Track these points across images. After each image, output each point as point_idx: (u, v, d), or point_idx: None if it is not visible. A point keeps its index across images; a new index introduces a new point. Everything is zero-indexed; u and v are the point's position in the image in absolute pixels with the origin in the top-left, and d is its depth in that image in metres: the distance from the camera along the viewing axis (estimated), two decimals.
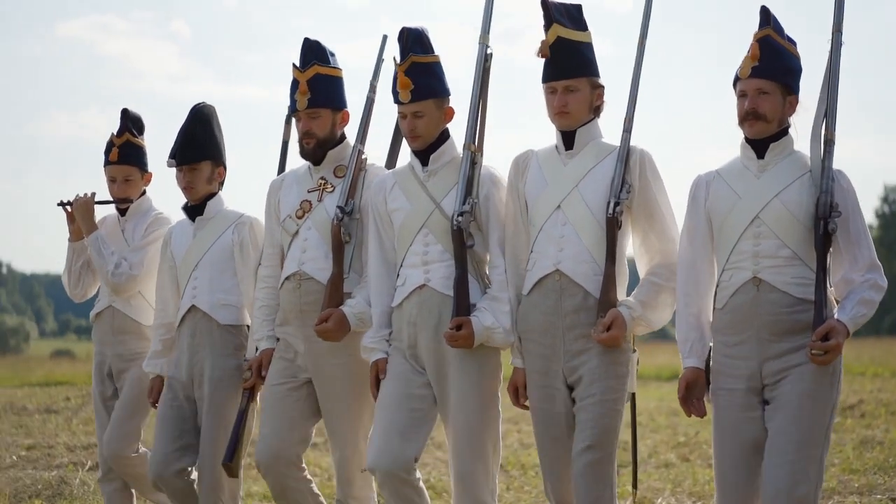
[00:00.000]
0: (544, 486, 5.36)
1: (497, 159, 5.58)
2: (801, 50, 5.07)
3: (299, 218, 5.91)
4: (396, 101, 5.51)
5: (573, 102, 5.23)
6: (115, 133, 6.92)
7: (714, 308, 5.08)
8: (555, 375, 5.19)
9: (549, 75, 5.25)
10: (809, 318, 4.80)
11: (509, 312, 5.31)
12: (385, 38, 5.87)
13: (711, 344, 5.09)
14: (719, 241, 5.06)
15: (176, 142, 6.37)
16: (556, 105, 5.23)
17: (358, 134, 5.84)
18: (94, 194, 6.92)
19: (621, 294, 5.19)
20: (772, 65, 4.96)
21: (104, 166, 6.95)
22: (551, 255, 5.21)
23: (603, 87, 5.30)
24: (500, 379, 5.47)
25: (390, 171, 5.78)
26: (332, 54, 5.96)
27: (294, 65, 5.87)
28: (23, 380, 22.36)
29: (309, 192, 5.95)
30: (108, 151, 6.92)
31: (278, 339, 5.95)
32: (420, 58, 5.47)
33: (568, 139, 5.30)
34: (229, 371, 6.24)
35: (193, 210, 6.46)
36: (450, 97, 5.55)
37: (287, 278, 5.90)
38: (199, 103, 6.44)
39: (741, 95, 5.01)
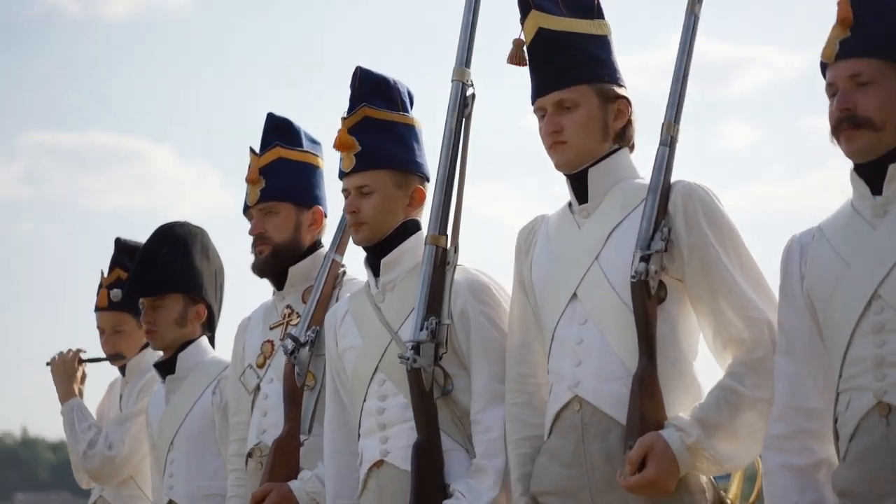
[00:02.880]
0: None
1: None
2: None
3: (260, 367, 4.16)
4: (340, 174, 3.74)
5: (571, 125, 3.27)
6: (104, 271, 5.33)
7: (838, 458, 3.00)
8: None
9: (534, 90, 3.35)
10: None
11: (497, 485, 3.37)
12: None
13: None
14: (828, 342, 3.01)
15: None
16: (546, 131, 3.30)
17: (334, 240, 4.10)
18: (78, 351, 5.36)
19: (678, 412, 3.14)
20: (874, 31, 2.94)
21: (94, 312, 5.35)
22: (567, 373, 3.23)
23: (625, 98, 3.33)
24: None
25: (347, 295, 3.92)
26: (315, 142, 4.29)
27: (251, 149, 4.24)
28: None
29: (271, 328, 4.21)
30: (98, 294, 5.33)
31: None
32: (376, 112, 3.69)
33: (579, 186, 3.34)
34: None
35: (165, 367, 4.75)
36: (424, 179, 3.74)
37: (249, 455, 4.15)
38: (174, 222, 4.81)
39: (831, 93, 2.97)
